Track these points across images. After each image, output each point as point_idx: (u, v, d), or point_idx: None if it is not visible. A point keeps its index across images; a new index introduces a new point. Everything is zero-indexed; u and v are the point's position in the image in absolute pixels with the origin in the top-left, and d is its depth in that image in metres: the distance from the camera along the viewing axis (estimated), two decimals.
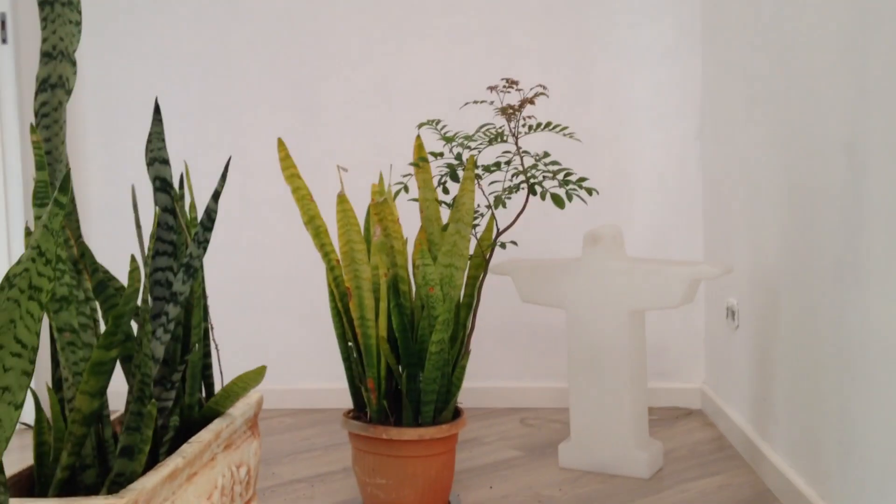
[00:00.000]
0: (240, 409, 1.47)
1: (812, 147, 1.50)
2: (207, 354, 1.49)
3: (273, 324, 2.56)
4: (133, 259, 1.06)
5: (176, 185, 1.31)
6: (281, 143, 1.57)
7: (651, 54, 2.38)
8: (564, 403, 2.41)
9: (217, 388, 1.48)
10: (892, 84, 1.16)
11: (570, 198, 1.64)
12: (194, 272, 1.24)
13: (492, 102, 1.70)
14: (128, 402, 1.09)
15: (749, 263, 1.93)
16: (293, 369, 2.54)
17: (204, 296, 1.38)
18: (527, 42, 2.40)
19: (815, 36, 1.47)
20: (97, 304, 1.17)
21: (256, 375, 1.36)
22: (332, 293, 1.61)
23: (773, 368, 1.76)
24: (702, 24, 2.34)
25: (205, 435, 1.31)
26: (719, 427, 2.19)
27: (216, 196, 1.22)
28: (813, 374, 1.51)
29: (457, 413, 1.64)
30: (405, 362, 1.56)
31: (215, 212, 1.23)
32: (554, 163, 1.66)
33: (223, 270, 2.48)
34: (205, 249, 1.24)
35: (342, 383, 1.92)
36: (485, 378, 2.46)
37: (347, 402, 1.87)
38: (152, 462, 1.14)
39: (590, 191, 1.66)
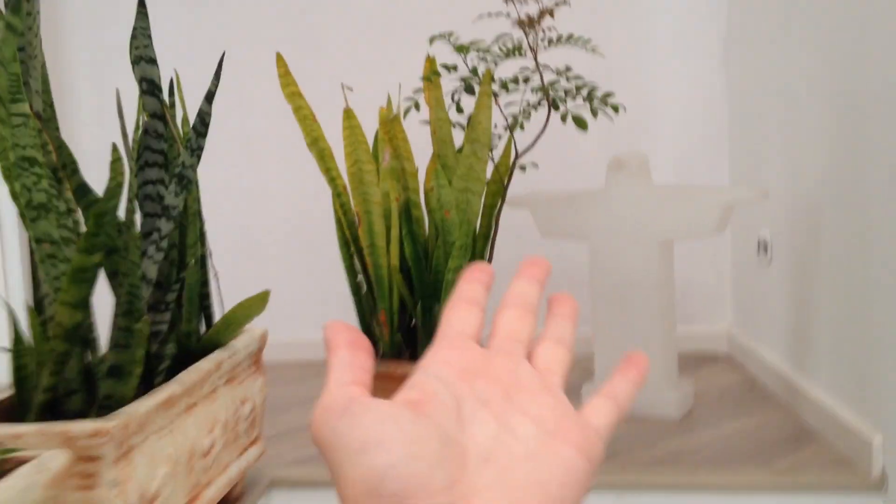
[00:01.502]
0: (242, 342, 1.36)
1: (864, 42, 1.37)
2: (206, 283, 1.37)
3: (278, 272, 2.44)
4: (115, 149, 0.94)
5: (165, 93, 1.19)
6: (280, 59, 1.45)
7: None
8: (586, 349, 2.30)
9: (217, 321, 1.36)
10: None
11: (595, 114, 1.51)
12: (188, 184, 1.12)
13: (508, 15, 1.56)
14: (115, 317, 0.98)
15: (784, 189, 1.80)
16: (300, 319, 2.43)
17: (200, 216, 1.27)
18: None
19: None
20: (80, 216, 1.05)
21: (259, 301, 1.25)
22: (338, 221, 1.50)
23: (814, 302, 1.64)
24: None
25: (204, 364, 1.21)
26: (750, 369, 2.08)
27: (209, 97, 1.10)
28: (862, 301, 1.39)
29: None
30: (420, 293, 1.45)
31: (209, 115, 1.11)
32: (577, 77, 1.53)
33: (222, 217, 2.35)
34: (199, 158, 1.13)
35: None
36: None
37: None
38: (147, 392, 1.03)
39: (616, 107, 1.53)
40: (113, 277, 1.05)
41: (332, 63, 2.33)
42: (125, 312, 1.02)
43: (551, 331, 0.44)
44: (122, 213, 1.04)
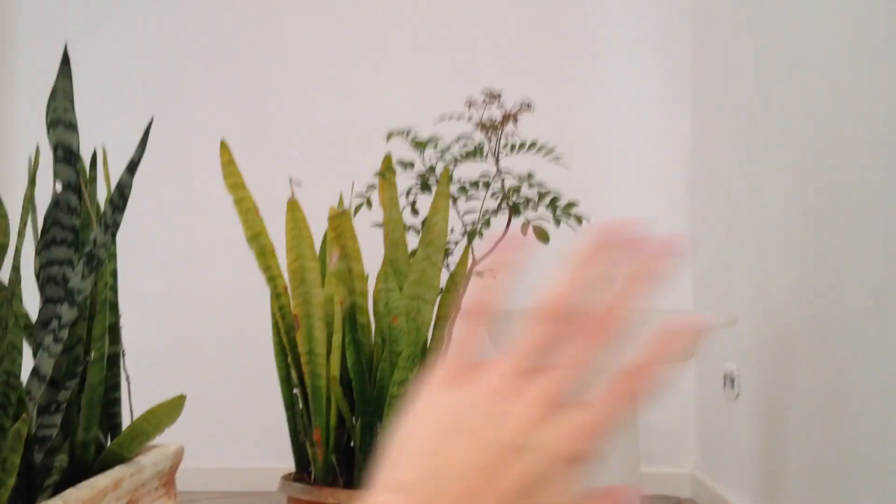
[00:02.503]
0: (151, 458, 1.17)
1: (837, 166, 1.32)
2: (115, 387, 1.20)
3: (206, 382, 2.25)
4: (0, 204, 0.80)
5: (87, 163, 1.06)
6: (224, 147, 1.35)
7: (640, 103, 2.23)
8: None
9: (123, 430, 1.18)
10: None
11: (558, 223, 1.42)
12: (98, 265, 0.97)
13: (470, 118, 1.50)
14: None
15: (752, 318, 1.71)
16: (230, 445, 2.21)
17: (115, 308, 1.11)
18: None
19: (832, 42, 1.32)
20: None
21: (173, 409, 1.08)
22: (275, 325, 1.35)
23: (788, 439, 1.52)
24: (691, 72, 2.20)
25: (100, 481, 1.02)
26: None
27: (132, 167, 0.98)
28: (840, 439, 1.27)
29: None
30: (360, 409, 1.28)
31: (129, 187, 0.99)
32: (540, 184, 1.45)
33: (149, 325, 2.19)
34: (114, 236, 0.99)
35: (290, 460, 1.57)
36: None
37: None
38: None
39: (579, 218, 1.45)
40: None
41: (285, 159, 2.24)
42: None
43: None
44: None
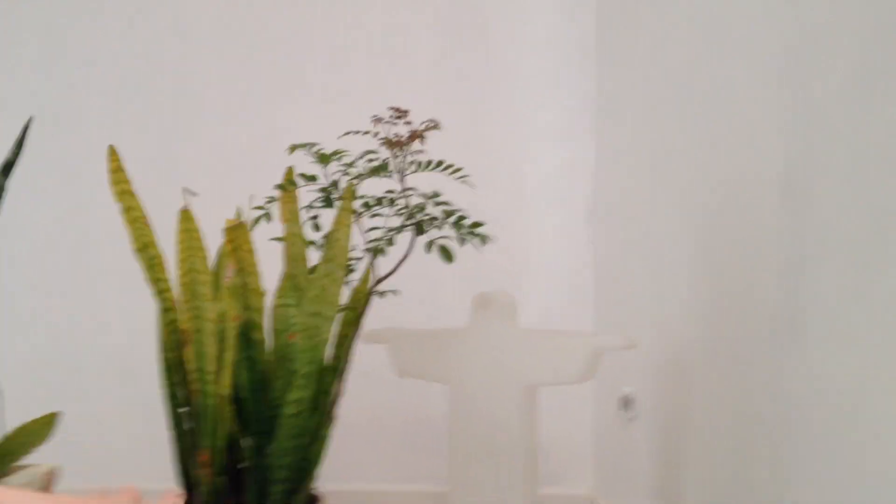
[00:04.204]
0: (20, 479, 1.09)
1: (732, 195, 1.35)
2: None
3: (91, 408, 2.13)
4: None
5: None
6: (112, 152, 1.27)
7: (545, 135, 2.26)
8: None
9: None
10: (833, 107, 1.03)
11: (462, 242, 1.41)
12: None
13: (376, 134, 1.47)
14: None
15: (649, 342, 1.74)
16: (113, 465, 2.10)
17: None
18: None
19: (732, 80, 1.36)
20: None
21: (43, 427, 1.01)
22: (163, 342, 1.28)
23: (685, 462, 1.54)
24: (596, 104, 2.25)
25: None
26: None
27: (6, 169, 0.91)
28: (738, 459, 1.30)
29: (313, 500, 1.31)
30: (253, 429, 1.23)
31: (3, 189, 0.92)
32: (445, 203, 1.44)
33: (30, 339, 2.06)
34: None
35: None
36: (347, 479, 2.11)
37: None
38: None
39: (483, 238, 1.44)
40: None
41: (181, 171, 2.16)
42: None
43: None
44: None
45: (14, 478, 1.08)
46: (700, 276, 1.49)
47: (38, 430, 0.98)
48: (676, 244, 1.61)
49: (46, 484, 1.14)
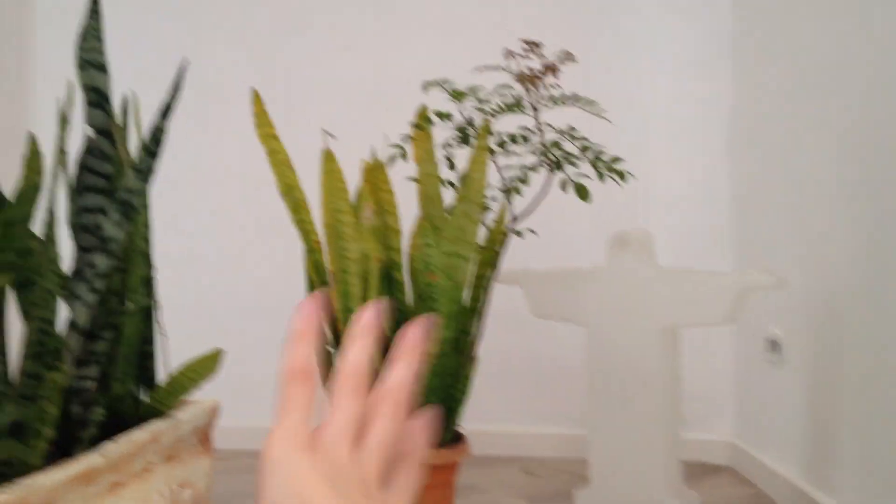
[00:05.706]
0: (188, 413, 1.15)
1: (891, 123, 1.25)
2: (149, 341, 1.18)
3: (237, 340, 2.23)
4: (32, 140, 0.76)
5: (118, 110, 1.03)
6: (256, 97, 1.30)
7: (680, 63, 2.15)
8: (573, 453, 2.08)
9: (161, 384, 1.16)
10: None
11: (601, 176, 1.36)
12: (133, 212, 0.94)
13: (508, 69, 1.44)
14: (23, 360, 0.78)
15: (798, 280, 1.65)
16: (260, 405, 2.20)
17: (148, 260, 1.08)
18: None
19: None
20: None
21: (209, 362, 1.06)
22: (309, 282, 1.31)
23: (837, 406, 1.46)
24: (732, 30, 2.12)
25: (139, 435, 0.99)
26: (757, 484, 1.87)
27: (165, 111, 0.94)
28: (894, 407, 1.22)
29: (457, 437, 1.32)
30: None
31: (163, 131, 0.95)
32: (583, 138, 1.40)
33: (181, 285, 2.17)
34: (147, 182, 0.95)
35: None
36: (480, 420, 2.13)
37: None
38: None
39: (622, 174, 1.39)
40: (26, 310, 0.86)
41: (315, 114, 2.20)
42: (34, 355, 0.82)
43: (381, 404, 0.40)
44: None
45: (183, 411, 1.14)
46: (862, 211, 1.39)
47: (204, 366, 1.02)
48: (832, 175, 1.50)
49: (212, 418, 1.20)
